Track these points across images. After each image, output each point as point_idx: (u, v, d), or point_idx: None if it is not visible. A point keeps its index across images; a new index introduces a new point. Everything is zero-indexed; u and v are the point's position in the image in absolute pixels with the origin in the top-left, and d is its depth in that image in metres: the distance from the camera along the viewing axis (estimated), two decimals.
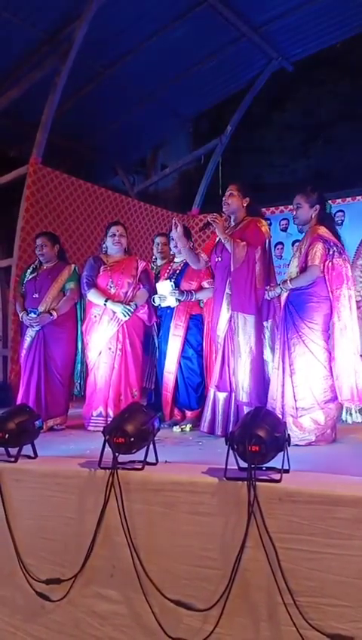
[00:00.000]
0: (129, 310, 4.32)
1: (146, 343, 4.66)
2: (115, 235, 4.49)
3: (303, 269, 3.62)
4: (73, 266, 4.64)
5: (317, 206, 3.70)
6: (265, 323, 3.93)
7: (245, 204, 4.09)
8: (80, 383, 4.55)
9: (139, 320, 4.48)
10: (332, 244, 3.57)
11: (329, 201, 3.92)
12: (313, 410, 3.51)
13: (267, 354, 3.92)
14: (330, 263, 3.55)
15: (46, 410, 4.29)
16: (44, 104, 6.56)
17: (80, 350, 4.53)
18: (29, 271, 4.60)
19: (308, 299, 3.58)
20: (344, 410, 3.58)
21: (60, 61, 6.52)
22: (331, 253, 3.55)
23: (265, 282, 3.94)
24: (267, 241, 4.02)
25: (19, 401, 4.29)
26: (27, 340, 4.41)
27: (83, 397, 4.52)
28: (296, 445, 3.24)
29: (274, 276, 4.06)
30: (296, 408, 3.51)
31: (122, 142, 8.81)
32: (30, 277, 4.54)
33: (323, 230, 3.63)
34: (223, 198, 4.10)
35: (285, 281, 3.68)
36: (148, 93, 8.11)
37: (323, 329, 3.57)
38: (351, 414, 3.57)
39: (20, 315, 4.45)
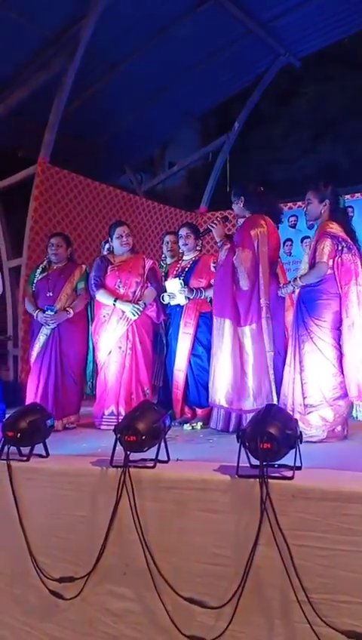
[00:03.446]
0: (138, 309, 4.33)
1: (154, 340, 4.67)
2: (122, 236, 4.49)
3: (312, 265, 3.60)
4: (84, 266, 4.68)
5: (327, 201, 3.67)
6: (245, 328, 3.86)
7: (242, 204, 4.10)
8: (92, 382, 4.57)
9: (147, 318, 4.49)
10: (340, 239, 3.54)
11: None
12: (321, 408, 3.49)
13: (249, 359, 3.85)
14: (339, 259, 3.52)
15: (62, 409, 4.33)
16: (51, 104, 6.58)
17: (91, 349, 4.55)
18: (38, 271, 4.60)
19: (317, 296, 3.56)
20: (354, 406, 3.57)
21: (67, 61, 6.53)
22: (340, 249, 3.52)
23: (253, 284, 3.86)
24: (256, 242, 3.88)
25: (37, 400, 4.23)
26: (41, 338, 4.40)
27: (93, 396, 4.54)
28: (305, 442, 3.23)
29: (274, 275, 3.97)
30: (304, 405, 3.50)
31: (130, 140, 8.81)
32: (41, 277, 4.54)
33: (332, 226, 3.59)
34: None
35: (295, 279, 3.67)
36: (155, 91, 8.11)
37: (333, 326, 3.53)
38: (360, 411, 3.56)
39: (35, 314, 4.41)
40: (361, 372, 3.44)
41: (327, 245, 3.52)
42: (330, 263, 3.52)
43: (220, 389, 3.89)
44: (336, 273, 3.53)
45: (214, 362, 3.97)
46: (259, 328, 3.84)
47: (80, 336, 4.51)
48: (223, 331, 3.89)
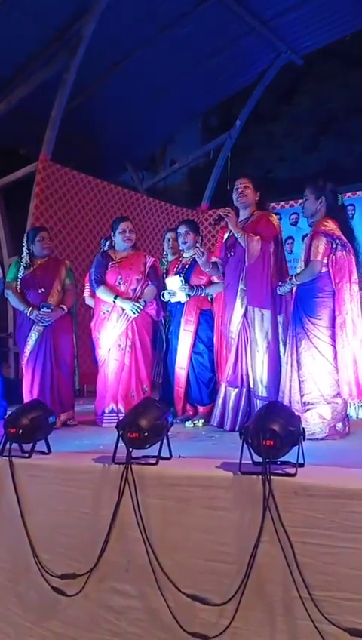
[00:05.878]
0: (138, 307, 4.32)
1: (154, 338, 4.68)
2: (125, 231, 4.45)
3: (307, 263, 3.61)
4: (67, 262, 4.71)
5: (323, 198, 3.66)
6: (278, 318, 3.94)
7: (257, 198, 4.09)
8: (76, 379, 4.61)
9: (147, 316, 4.48)
10: (335, 237, 3.54)
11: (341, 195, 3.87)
12: (319, 405, 3.50)
13: (281, 349, 3.91)
14: (334, 257, 3.53)
15: (60, 405, 4.32)
16: (53, 102, 6.59)
17: (76, 345, 4.57)
18: (22, 267, 4.42)
19: (313, 294, 3.57)
20: (348, 405, 3.56)
21: (69, 58, 6.53)
22: (334, 246, 3.53)
23: (277, 276, 3.93)
24: (279, 235, 4.01)
25: (35, 397, 4.21)
26: (33, 336, 4.31)
27: (80, 392, 4.57)
28: (308, 439, 3.22)
29: (286, 271, 4.05)
30: (302, 403, 3.51)
31: (131, 138, 8.82)
32: (26, 272, 4.40)
33: (326, 224, 3.59)
34: (237, 190, 4.06)
35: (291, 277, 3.70)
36: (156, 89, 8.10)
37: (328, 324, 3.53)
38: (355, 409, 3.55)
39: (27, 312, 4.28)
40: (352, 371, 3.45)
41: (321, 243, 3.53)
42: (325, 260, 3.53)
43: (264, 380, 3.87)
44: (331, 271, 3.53)
45: (258, 354, 3.89)
46: (286, 318, 3.90)
47: (71, 330, 4.51)
48: (264, 322, 3.88)
